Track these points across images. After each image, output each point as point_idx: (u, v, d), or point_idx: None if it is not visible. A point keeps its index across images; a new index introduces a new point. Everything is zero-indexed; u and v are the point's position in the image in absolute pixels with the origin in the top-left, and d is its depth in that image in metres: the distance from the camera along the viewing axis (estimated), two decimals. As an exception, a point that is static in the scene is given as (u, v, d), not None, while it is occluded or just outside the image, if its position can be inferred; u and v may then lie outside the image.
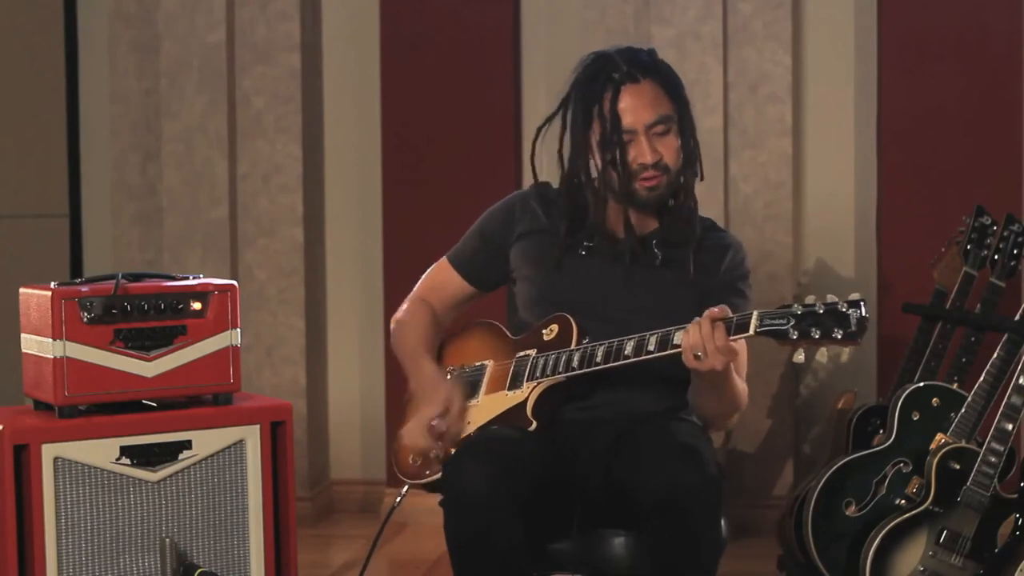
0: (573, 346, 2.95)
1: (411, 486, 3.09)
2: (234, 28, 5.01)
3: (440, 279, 3.23)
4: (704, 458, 2.82)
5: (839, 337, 2.69)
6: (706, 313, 2.78)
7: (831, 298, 2.73)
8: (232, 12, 5.00)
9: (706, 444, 2.93)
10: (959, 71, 4.69)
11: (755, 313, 2.75)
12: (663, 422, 2.98)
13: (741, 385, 2.97)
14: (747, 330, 2.74)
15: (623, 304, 3.03)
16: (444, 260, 3.24)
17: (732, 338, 2.75)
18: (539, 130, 3.11)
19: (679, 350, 2.80)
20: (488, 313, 3.26)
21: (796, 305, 2.72)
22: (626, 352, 2.87)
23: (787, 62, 4.76)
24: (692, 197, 3.05)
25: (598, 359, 2.90)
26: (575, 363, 2.92)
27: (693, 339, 2.77)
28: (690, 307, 2.93)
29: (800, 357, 2.79)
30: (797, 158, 4.83)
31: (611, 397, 3.00)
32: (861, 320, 2.68)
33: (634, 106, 2.97)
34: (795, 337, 2.70)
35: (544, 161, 3.13)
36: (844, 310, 2.69)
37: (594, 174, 3.05)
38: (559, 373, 2.93)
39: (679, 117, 3.01)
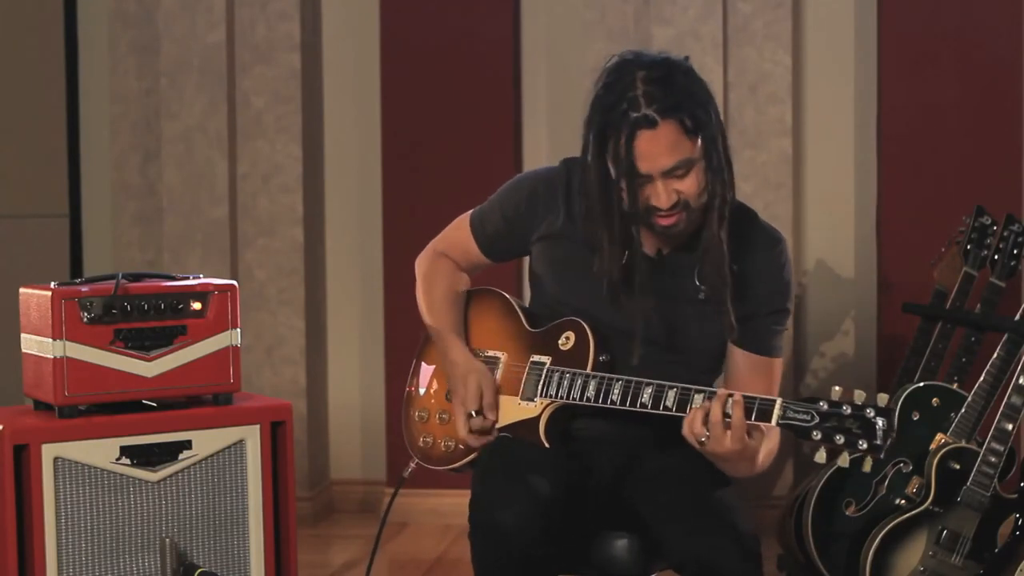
0: (590, 364, 2.88)
1: (424, 466, 3.07)
2: (234, 28, 5.01)
3: (461, 241, 3.12)
4: (746, 533, 2.74)
5: (863, 448, 2.60)
6: (727, 395, 2.66)
7: (859, 396, 2.62)
8: (232, 12, 5.00)
9: (740, 503, 2.85)
10: (959, 71, 4.69)
11: (778, 402, 2.65)
12: (683, 457, 2.88)
13: (763, 456, 2.80)
14: (768, 419, 2.65)
15: (648, 339, 2.89)
16: (466, 222, 3.11)
17: (750, 423, 2.65)
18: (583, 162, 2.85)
19: None
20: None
21: (822, 401, 2.63)
22: (643, 400, 2.77)
23: (787, 62, 4.76)
24: (717, 235, 2.80)
25: (614, 397, 2.81)
26: (590, 392, 2.84)
27: (692, 421, 2.67)
28: (722, 344, 2.89)
29: (822, 457, 2.66)
30: (797, 158, 4.83)
31: (620, 415, 2.90)
32: (888, 433, 2.59)
33: (650, 152, 2.71)
34: (817, 438, 2.62)
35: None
36: (871, 417, 2.60)
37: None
38: (573, 398, 2.86)
39: (705, 151, 2.74)
